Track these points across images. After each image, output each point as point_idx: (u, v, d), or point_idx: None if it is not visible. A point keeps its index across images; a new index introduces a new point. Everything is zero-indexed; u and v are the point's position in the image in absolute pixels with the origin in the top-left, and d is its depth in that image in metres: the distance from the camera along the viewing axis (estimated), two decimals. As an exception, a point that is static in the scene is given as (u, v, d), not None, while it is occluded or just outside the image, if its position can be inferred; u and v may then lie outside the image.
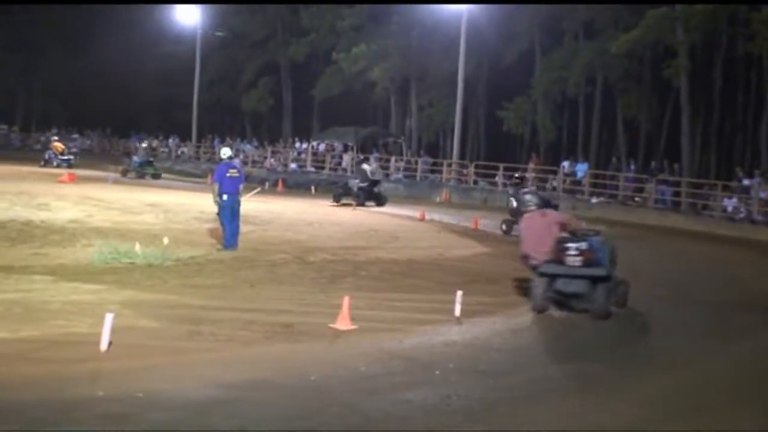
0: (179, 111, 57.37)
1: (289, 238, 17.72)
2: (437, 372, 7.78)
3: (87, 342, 7.64)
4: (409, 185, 37.67)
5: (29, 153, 52.51)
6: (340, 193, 29.23)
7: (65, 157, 40.13)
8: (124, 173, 37.96)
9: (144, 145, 47.41)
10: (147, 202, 23.49)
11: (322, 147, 45.00)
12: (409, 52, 45.58)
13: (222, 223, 15.27)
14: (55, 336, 7.95)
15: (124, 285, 10.96)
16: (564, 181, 33.84)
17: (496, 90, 46.36)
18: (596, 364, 8.79)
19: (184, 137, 54.72)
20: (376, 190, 29.11)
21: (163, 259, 13.24)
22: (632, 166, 34.22)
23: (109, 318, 7.49)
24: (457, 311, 10.20)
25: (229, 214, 15.09)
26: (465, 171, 37.96)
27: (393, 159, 41.04)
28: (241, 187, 15.67)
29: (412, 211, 25.79)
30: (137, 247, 13.75)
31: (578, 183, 33.64)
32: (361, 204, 27.77)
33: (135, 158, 39.86)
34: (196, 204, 22.54)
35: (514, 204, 20.49)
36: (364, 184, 28.48)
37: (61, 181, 29.25)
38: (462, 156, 42.01)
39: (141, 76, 62.67)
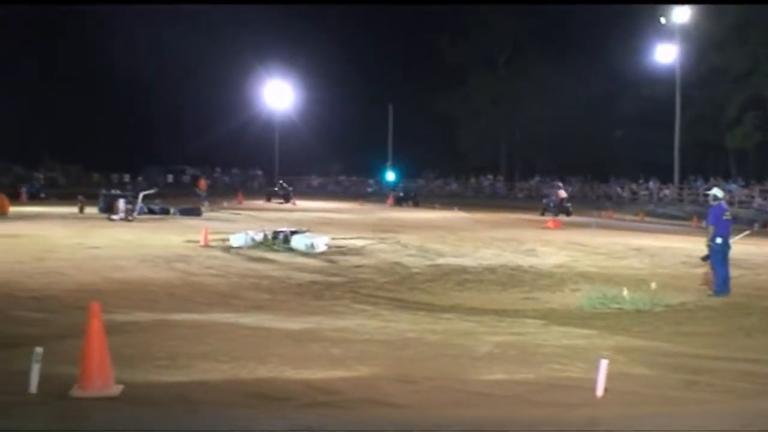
0: (658, 153, 56.56)
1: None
2: None
3: (582, 387, 7.58)
4: None
5: (514, 201, 55.18)
6: None
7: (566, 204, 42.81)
8: (542, 213, 41.07)
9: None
10: (632, 246, 23.30)
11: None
12: None
13: (713, 268, 14.57)
14: (549, 379, 8.01)
15: (614, 330, 10.84)
16: None
17: None
18: None
19: (665, 179, 53.77)
20: None
21: (652, 305, 12.96)
22: None
23: (603, 364, 7.39)
24: None
25: (722, 258, 14.35)
26: None
27: None
28: (731, 229, 14.92)
29: None
30: (624, 292, 13.64)
31: None
32: None
33: (546, 200, 43.66)
34: (682, 248, 21.90)
35: None
36: None
37: (547, 227, 30.21)
38: None
39: (616, 120, 63.12)
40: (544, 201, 43.94)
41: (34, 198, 41.41)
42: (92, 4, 63.31)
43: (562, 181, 63.81)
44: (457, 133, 72.26)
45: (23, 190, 43.41)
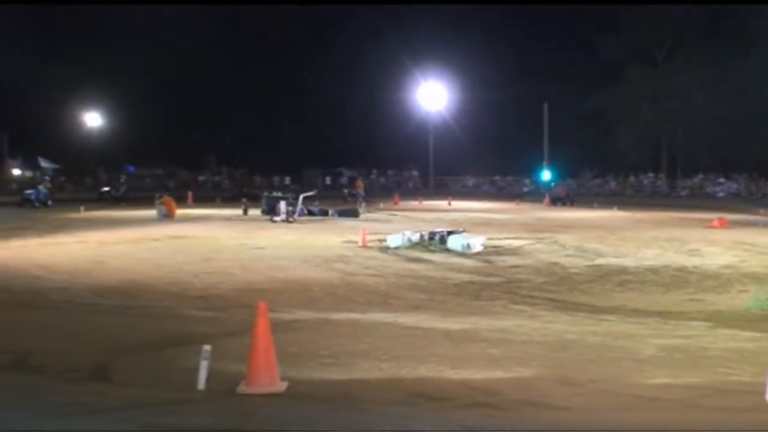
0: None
1: None
2: None
3: (751, 391, 7.27)
4: None
5: (676, 200, 53.52)
6: None
7: None
8: (553, 203, 50.05)
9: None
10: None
11: None
12: None
13: None
14: (717, 383, 7.73)
15: (785, 333, 10.39)
16: None
17: None
18: None
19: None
20: None
21: (824, 307, 12.34)
22: None
23: (775, 368, 7.12)
24: None
25: None
26: None
27: None
28: None
29: None
30: (796, 294, 13.04)
31: None
32: None
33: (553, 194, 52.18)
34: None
35: None
36: None
37: (710, 226, 29.14)
38: None
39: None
40: (551, 192, 54.15)
41: (44, 205, 38.58)
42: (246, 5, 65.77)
43: (727, 178, 61.68)
44: (615, 130, 70.55)
45: (32, 197, 39.32)
